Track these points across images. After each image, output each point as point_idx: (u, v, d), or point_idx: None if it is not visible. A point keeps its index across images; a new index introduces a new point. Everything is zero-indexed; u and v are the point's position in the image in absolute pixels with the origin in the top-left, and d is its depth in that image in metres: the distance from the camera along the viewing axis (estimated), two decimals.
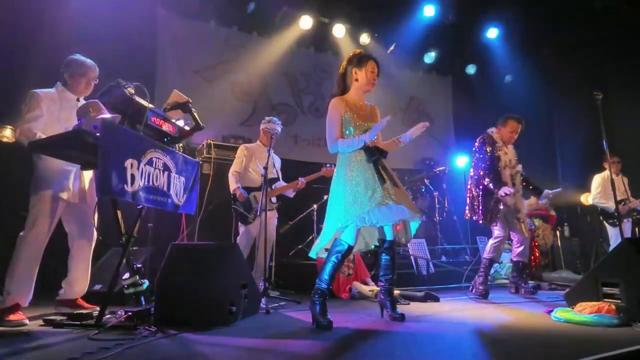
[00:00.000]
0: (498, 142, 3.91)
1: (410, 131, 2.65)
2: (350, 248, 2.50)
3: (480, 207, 3.82)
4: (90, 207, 2.90)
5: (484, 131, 4.04)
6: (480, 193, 3.83)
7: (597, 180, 5.34)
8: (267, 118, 4.15)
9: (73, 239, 2.87)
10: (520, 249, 3.89)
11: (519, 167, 3.97)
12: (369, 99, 2.83)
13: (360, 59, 2.68)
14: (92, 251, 2.94)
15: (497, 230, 3.81)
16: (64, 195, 2.72)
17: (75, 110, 2.66)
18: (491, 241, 3.86)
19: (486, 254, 3.87)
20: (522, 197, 3.98)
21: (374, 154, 2.55)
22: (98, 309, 2.59)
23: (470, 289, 3.84)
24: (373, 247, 2.79)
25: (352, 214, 2.41)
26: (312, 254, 2.69)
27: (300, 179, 4.04)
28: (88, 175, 2.88)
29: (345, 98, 2.69)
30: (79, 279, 2.89)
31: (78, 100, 2.87)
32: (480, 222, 3.84)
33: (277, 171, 4.08)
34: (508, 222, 3.86)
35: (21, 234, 2.60)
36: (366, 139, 2.51)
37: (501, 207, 3.77)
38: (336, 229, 2.50)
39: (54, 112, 2.72)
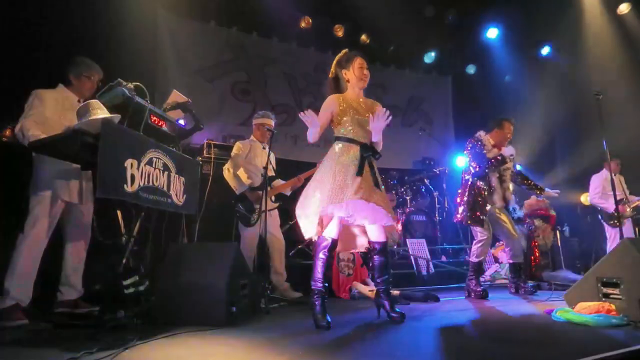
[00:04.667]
0: (487, 145, 3.89)
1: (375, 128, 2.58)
2: (334, 242, 2.53)
3: (466, 209, 3.82)
4: (89, 208, 2.90)
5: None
6: (468, 195, 3.84)
7: (596, 180, 5.34)
8: (260, 112, 4.10)
9: (68, 239, 2.87)
10: (512, 252, 3.87)
11: (510, 164, 3.94)
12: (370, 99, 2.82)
13: (347, 59, 2.73)
14: (85, 250, 2.93)
15: (479, 233, 3.80)
16: (65, 196, 2.72)
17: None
18: (475, 244, 3.86)
19: (473, 257, 3.87)
20: (512, 194, 3.97)
21: (367, 151, 2.59)
22: (98, 309, 2.59)
23: (466, 295, 3.82)
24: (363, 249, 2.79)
25: (335, 199, 2.43)
26: (307, 235, 2.65)
27: (299, 176, 4.04)
28: (87, 175, 2.87)
29: (344, 96, 2.72)
30: (76, 280, 2.89)
31: (79, 101, 2.87)
32: (466, 223, 3.85)
33: (273, 168, 4.04)
34: (492, 223, 3.85)
35: (21, 234, 2.59)
36: (309, 139, 2.59)
37: (487, 207, 3.77)
38: (314, 212, 2.51)
39: (57, 112, 2.72)
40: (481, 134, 3.97)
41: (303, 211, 2.58)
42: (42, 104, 2.68)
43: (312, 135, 2.59)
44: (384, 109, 2.56)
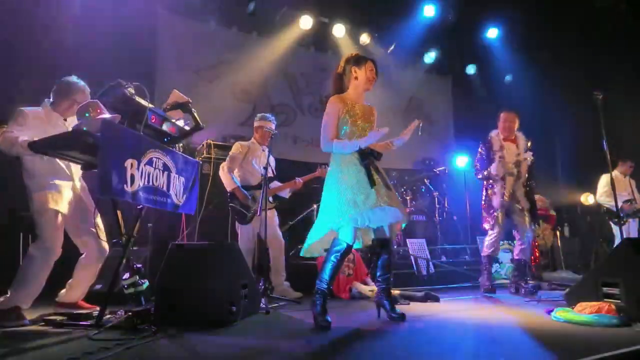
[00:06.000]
0: (495, 145, 3.99)
1: (403, 136, 2.69)
2: (349, 247, 2.51)
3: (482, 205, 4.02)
4: (90, 217, 2.88)
5: (483, 131, 4.13)
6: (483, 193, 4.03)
7: (604, 179, 5.33)
8: (259, 115, 4.14)
9: (84, 248, 2.86)
10: (522, 246, 3.90)
11: (527, 155, 4.00)
12: (370, 98, 2.82)
13: (358, 59, 2.71)
14: (101, 263, 2.90)
15: (490, 226, 3.94)
16: (59, 208, 2.70)
17: (62, 129, 2.65)
18: (487, 238, 3.98)
19: (483, 251, 3.99)
20: (523, 185, 3.99)
21: (367, 157, 2.56)
22: (98, 309, 2.59)
23: (480, 289, 3.98)
24: (368, 245, 2.80)
25: (346, 215, 2.42)
26: (302, 252, 2.69)
27: (297, 178, 4.05)
28: (82, 186, 2.87)
29: (344, 97, 2.68)
30: (82, 285, 2.88)
31: (65, 120, 2.83)
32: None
33: (272, 170, 4.05)
34: (507, 217, 3.91)
35: (33, 246, 2.60)
36: (361, 145, 2.52)
37: (495, 202, 3.85)
38: (328, 229, 2.52)
39: (41, 130, 2.64)
40: (492, 133, 4.10)
41: (315, 231, 2.59)
42: (26, 122, 2.63)
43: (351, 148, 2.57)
44: (380, 129, 2.55)
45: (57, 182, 2.71)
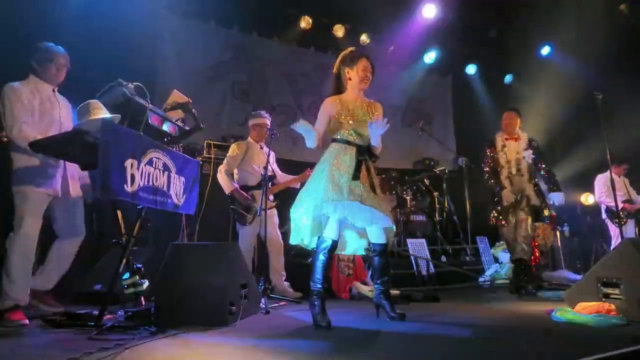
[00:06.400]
0: (497, 145, 4.06)
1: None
2: (334, 243, 2.52)
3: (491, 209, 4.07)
4: (76, 202, 2.86)
5: (483, 131, 4.14)
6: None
7: (601, 179, 5.34)
8: (252, 113, 4.16)
9: (59, 233, 2.83)
10: (519, 246, 3.91)
11: (526, 154, 4.01)
12: (370, 98, 2.81)
13: (352, 58, 2.68)
14: (77, 248, 2.89)
15: (503, 233, 3.99)
16: (47, 190, 2.68)
17: (54, 101, 2.63)
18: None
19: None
20: (530, 182, 4.00)
21: (363, 155, 2.57)
22: (61, 308, 2.58)
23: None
24: (364, 251, 2.79)
25: (330, 197, 2.42)
26: (294, 240, 2.66)
27: (308, 169, 4.03)
28: (72, 169, 2.85)
29: (341, 98, 2.68)
30: (55, 273, 2.84)
31: (54, 90, 2.82)
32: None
33: (272, 169, 4.04)
34: (515, 217, 3.94)
35: (11, 234, 2.57)
36: (310, 144, 2.56)
37: (503, 201, 3.91)
38: (312, 211, 2.49)
39: (32, 105, 2.65)
40: (497, 133, 4.16)
41: (297, 213, 2.57)
42: (21, 98, 2.61)
43: (311, 142, 2.58)
44: (384, 118, 2.53)
45: (47, 162, 2.68)
